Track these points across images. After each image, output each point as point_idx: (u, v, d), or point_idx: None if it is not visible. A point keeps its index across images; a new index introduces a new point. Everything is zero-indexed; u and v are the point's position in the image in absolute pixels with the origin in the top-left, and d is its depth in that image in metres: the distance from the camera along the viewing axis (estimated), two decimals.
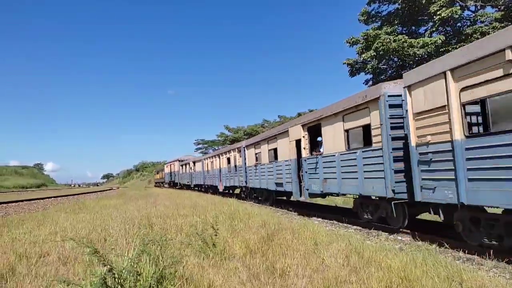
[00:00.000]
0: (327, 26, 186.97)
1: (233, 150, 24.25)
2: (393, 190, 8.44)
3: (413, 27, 22.49)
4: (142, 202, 17.21)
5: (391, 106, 8.67)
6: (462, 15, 18.80)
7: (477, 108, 7.94)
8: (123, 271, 3.84)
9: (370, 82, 24.44)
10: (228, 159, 25.04)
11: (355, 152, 9.92)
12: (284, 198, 17.79)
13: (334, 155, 11.07)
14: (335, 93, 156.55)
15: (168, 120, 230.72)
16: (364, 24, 23.02)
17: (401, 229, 8.93)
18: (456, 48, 18.19)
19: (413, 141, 7.65)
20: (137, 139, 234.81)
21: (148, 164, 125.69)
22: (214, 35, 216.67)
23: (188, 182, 40.83)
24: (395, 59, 21.62)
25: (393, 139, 8.55)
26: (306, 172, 13.02)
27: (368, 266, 4.95)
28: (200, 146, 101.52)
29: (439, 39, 17.77)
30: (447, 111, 6.69)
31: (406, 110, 7.91)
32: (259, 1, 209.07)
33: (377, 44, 18.72)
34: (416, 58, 19.39)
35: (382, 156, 8.78)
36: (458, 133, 6.48)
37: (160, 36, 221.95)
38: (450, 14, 17.18)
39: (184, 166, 43.52)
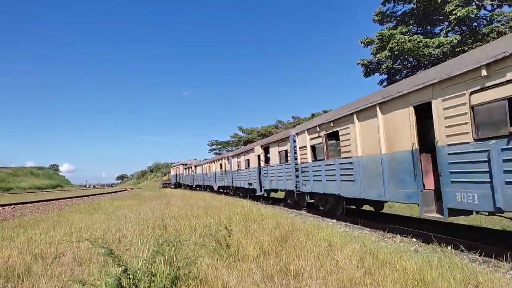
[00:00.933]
0: (342, 26, 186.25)
1: (224, 158, 31.19)
2: (296, 186, 15.51)
3: (428, 27, 22.18)
4: (156, 203, 17.34)
5: (294, 141, 15.60)
6: (478, 15, 18.48)
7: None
8: (138, 271, 3.87)
9: (385, 83, 24.23)
10: (221, 165, 31.62)
11: (282, 165, 17.15)
12: (253, 193, 22.70)
13: (274, 166, 18.26)
14: (349, 93, 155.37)
15: (182, 121, 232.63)
16: (379, 24, 22.82)
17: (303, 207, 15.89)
18: (472, 48, 17.90)
19: (299, 160, 15.16)
20: (151, 140, 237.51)
21: (162, 165, 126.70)
22: (228, 36, 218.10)
23: (190, 183, 47.65)
24: (410, 59, 21.34)
25: (295, 158, 15.48)
26: (262, 176, 20.33)
27: (382, 268, 4.89)
28: (213, 147, 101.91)
29: (455, 39, 17.51)
30: (306, 148, 14.19)
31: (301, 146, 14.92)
32: (272, 2, 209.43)
33: (392, 44, 18.51)
34: (432, 58, 19.14)
35: (291, 167, 15.88)
36: (310, 159, 14.02)
37: (174, 37, 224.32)
38: (466, 14, 16.90)
39: (187, 169, 50.06)
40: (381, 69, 22.03)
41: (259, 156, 20.85)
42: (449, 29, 19.13)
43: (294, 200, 16.16)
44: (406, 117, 8.35)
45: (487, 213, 7.04)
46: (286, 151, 16.57)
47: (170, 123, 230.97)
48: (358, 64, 23.00)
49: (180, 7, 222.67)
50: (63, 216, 12.70)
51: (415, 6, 20.77)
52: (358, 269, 4.93)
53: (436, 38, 18.16)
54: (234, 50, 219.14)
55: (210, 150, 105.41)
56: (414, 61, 21.74)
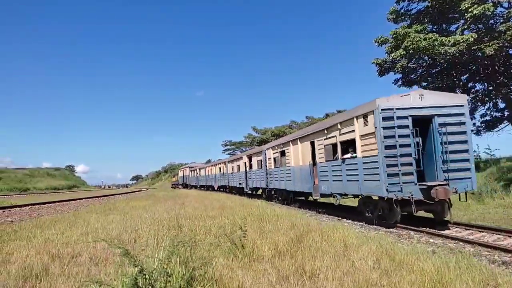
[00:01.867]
0: (355, 26, 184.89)
1: (222, 163, 37.89)
2: (266, 185, 21.76)
3: (444, 25, 21.78)
4: (171, 203, 17.44)
5: (265, 154, 22.03)
6: (494, 12, 18.08)
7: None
8: (154, 272, 3.88)
9: (400, 82, 23.96)
10: (220, 168, 38.37)
11: (259, 170, 23.58)
12: (242, 191, 29.82)
13: (254, 171, 24.89)
14: (363, 93, 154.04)
15: (196, 121, 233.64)
16: (393, 23, 22.49)
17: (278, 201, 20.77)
18: (489, 46, 17.54)
19: (267, 167, 21.53)
20: (166, 141, 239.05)
21: (176, 165, 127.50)
22: (242, 36, 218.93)
23: (195, 183, 54.26)
24: (426, 57, 21.01)
25: (266, 166, 21.97)
26: (248, 177, 27.06)
27: (399, 269, 4.83)
28: (227, 147, 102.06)
29: (471, 37, 17.16)
30: (271, 159, 20.93)
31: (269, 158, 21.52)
32: (285, 2, 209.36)
33: (407, 43, 18.22)
34: (448, 57, 18.81)
35: (263, 172, 22.24)
36: (273, 167, 20.81)
37: (189, 38, 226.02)
38: (482, 11, 16.55)
39: (192, 171, 56.56)
40: (395, 68, 21.76)
41: (245, 163, 27.86)
42: (465, 27, 18.75)
43: (266, 194, 23.15)
44: (308, 147, 15.42)
45: (330, 196, 13.60)
46: (260, 160, 23.38)
47: (184, 123, 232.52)
48: (372, 63, 22.75)
49: (195, 6, 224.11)
50: (79, 216, 12.85)
51: (430, 4, 20.43)
52: (374, 270, 4.87)
53: (452, 36, 17.81)
54: (248, 51, 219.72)
55: (224, 150, 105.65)
56: (430, 59, 21.40)
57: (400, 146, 9.90)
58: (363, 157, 10.89)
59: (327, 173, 13.42)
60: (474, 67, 21.85)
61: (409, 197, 9.70)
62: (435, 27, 22.13)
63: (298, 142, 16.46)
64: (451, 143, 10.19)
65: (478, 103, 23.66)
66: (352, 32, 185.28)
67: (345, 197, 12.74)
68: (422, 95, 10.44)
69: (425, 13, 21.53)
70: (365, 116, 10.66)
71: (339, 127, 12.28)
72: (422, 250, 5.96)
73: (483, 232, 9.33)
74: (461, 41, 17.32)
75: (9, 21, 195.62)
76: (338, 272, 4.82)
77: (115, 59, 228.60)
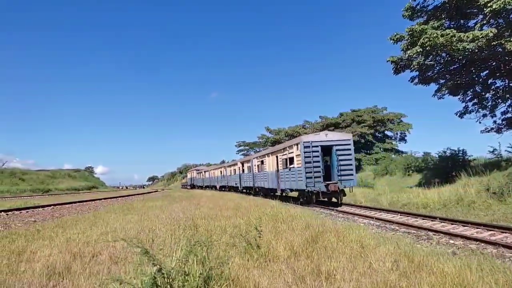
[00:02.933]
0: (370, 24, 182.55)
1: (223, 167, 46.94)
2: (253, 184, 29.65)
3: (462, 21, 21.24)
4: (186, 204, 17.59)
5: (252, 161, 30.10)
6: None
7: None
8: (172, 271, 3.91)
9: (416, 80, 23.51)
10: (221, 171, 47.08)
11: (248, 173, 31.51)
12: (237, 189, 37.71)
13: (245, 173, 32.93)
14: (378, 92, 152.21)
15: (210, 122, 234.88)
16: (409, 20, 22.05)
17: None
18: (510, 42, 17.08)
19: (254, 171, 29.39)
20: (180, 142, 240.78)
21: (191, 166, 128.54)
22: (255, 38, 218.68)
23: (201, 184, 62.31)
24: (443, 54, 20.54)
25: (253, 170, 29.77)
26: (241, 179, 34.50)
27: (419, 271, 4.74)
28: (241, 148, 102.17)
29: (491, 32, 16.72)
30: (256, 166, 28.94)
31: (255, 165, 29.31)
32: (299, 2, 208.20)
33: (424, 39, 17.83)
34: (466, 53, 18.37)
35: (251, 174, 30.36)
36: (257, 171, 28.69)
37: (202, 41, 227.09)
38: (502, 6, 16.09)
39: (199, 173, 65.87)
40: (412, 66, 21.36)
41: (239, 168, 36.07)
42: (484, 22, 18.28)
43: (253, 191, 30.53)
44: (275, 159, 22.65)
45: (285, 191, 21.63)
46: (249, 166, 31.23)
47: (199, 124, 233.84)
48: (387, 61, 22.33)
49: (209, 10, 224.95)
50: (99, 216, 13.06)
51: None
52: (392, 271, 4.80)
53: (471, 32, 17.37)
54: (261, 52, 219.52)
55: (238, 151, 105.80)
56: (447, 56, 20.91)
57: (314, 162, 18.04)
58: (297, 167, 19.00)
59: (283, 176, 21.54)
60: (494, 63, 21.29)
61: (317, 190, 17.84)
62: (453, 23, 21.62)
63: (270, 155, 24.57)
64: (341, 160, 18.59)
65: (499, 100, 23.03)
66: (366, 30, 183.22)
67: (293, 191, 20.93)
68: (327, 134, 19.37)
69: (442, 9, 21.06)
70: (296, 145, 19.22)
71: (288, 149, 20.52)
72: (442, 252, 5.87)
73: (506, 233, 9.12)
74: (480, 36, 16.90)
75: (33, 25, 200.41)
76: (355, 273, 4.76)
77: (131, 63, 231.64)
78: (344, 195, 18.52)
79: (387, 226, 11.57)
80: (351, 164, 18.68)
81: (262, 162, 26.75)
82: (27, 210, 18.21)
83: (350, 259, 5.43)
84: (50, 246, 7.14)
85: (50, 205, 21.17)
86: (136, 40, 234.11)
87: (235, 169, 38.33)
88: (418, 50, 18.90)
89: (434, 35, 17.77)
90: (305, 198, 18.95)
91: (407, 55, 20.34)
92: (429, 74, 23.10)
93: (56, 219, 13.55)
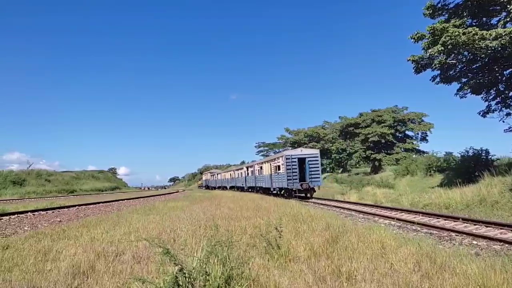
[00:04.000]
0: (390, 23, 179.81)
1: (232, 170, 55.24)
2: (255, 184, 37.90)
3: (484, 18, 20.71)
4: (207, 204, 17.69)
5: (254, 167, 38.63)
6: None
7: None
8: (193, 271, 3.96)
9: (438, 79, 23.02)
10: (230, 174, 55.20)
11: (252, 175, 39.50)
12: (243, 189, 44.24)
13: (251, 176, 39.87)
14: (399, 92, 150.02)
15: (230, 123, 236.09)
16: (430, 18, 21.63)
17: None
18: None
19: (256, 174, 37.76)
20: (201, 143, 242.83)
21: (211, 167, 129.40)
22: (275, 41, 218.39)
23: (214, 185, 69.18)
24: (465, 53, 20.07)
25: (255, 173, 38.52)
26: (246, 180, 42.55)
27: (441, 272, 4.68)
28: (261, 149, 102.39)
29: None
30: (257, 170, 37.42)
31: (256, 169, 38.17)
32: (320, 3, 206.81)
33: (445, 38, 17.45)
34: (489, 51, 17.90)
35: (253, 176, 38.72)
36: (258, 174, 36.93)
37: (224, 44, 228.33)
38: None
39: (212, 176, 73.19)
40: (433, 65, 20.95)
41: (245, 171, 43.79)
42: (508, 19, 17.78)
43: (256, 190, 37.10)
44: (269, 166, 31.33)
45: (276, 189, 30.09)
46: (252, 170, 39.12)
47: (219, 126, 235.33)
48: (408, 60, 21.96)
49: (231, 13, 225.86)
50: (122, 216, 13.25)
51: None
52: (414, 272, 4.76)
53: (493, 30, 16.90)
54: (280, 55, 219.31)
55: (257, 152, 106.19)
56: (470, 54, 20.44)
57: (292, 169, 25.93)
58: (282, 172, 27.10)
59: (274, 178, 29.83)
60: None
61: (295, 188, 25.68)
62: (475, 20, 21.09)
63: (266, 163, 33.32)
64: (311, 168, 26.44)
65: None
66: (385, 30, 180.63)
67: (283, 189, 28.70)
68: (302, 149, 28.40)
69: (464, 6, 20.57)
70: (282, 157, 27.50)
71: (277, 159, 29.00)
72: (465, 253, 5.77)
73: None
74: (503, 34, 16.43)
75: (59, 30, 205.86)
76: (376, 274, 4.74)
77: (153, 66, 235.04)
78: (314, 191, 26.80)
79: (408, 226, 11.42)
80: (318, 171, 27.20)
81: (261, 167, 35.39)
82: (53, 211, 18.65)
83: (371, 260, 5.40)
84: (75, 245, 7.28)
85: (74, 206, 21.63)
86: (158, 44, 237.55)
87: (241, 172, 46.35)
88: (440, 49, 18.52)
89: (456, 34, 17.39)
90: (287, 193, 27.72)
91: (428, 54, 19.97)
92: (451, 73, 22.59)
93: (81, 219, 13.81)
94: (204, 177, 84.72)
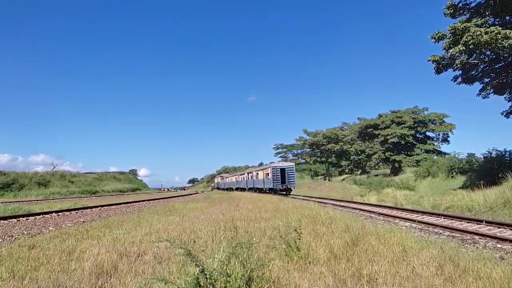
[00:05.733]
0: (409, 22, 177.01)
1: (237, 175, 68.34)
2: (253, 184, 51.56)
3: (508, 17, 20.24)
4: (226, 206, 17.73)
5: (253, 173, 53.79)
6: None
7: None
8: (214, 272, 3.98)
9: (459, 79, 22.58)
10: (235, 178, 67.95)
11: (252, 179, 53.17)
12: (244, 189, 56.93)
13: (250, 179, 54.15)
14: (419, 92, 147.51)
15: (249, 125, 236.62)
16: (451, 18, 21.24)
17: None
18: None
19: (253, 178, 52.29)
20: (219, 145, 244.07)
21: (230, 168, 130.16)
22: (292, 42, 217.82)
23: (223, 187, 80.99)
24: (488, 52, 19.64)
25: (253, 177, 53.38)
26: (247, 183, 55.68)
27: (464, 275, 4.59)
28: (279, 150, 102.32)
29: None
30: (254, 175, 51.86)
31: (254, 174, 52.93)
32: (338, 3, 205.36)
33: (467, 37, 17.10)
34: None
35: (252, 180, 52.55)
36: (256, 178, 50.12)
37: (242, 46, 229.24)
38: None
39: (222, 179, 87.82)
40: (454, 65, 20.53)
41: (246, 176, 55.74)
42: None
43: (253, 189, 49.56)
44: (263, 172, 45.61)
45: (267, 189, 42.95)
46: (251, 175, 52.60)
47: (237, 127, 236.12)
48: (428, 60, 21.60)
49: (250, 16, 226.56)
50: (143, 217, 13.44)
51: None
52: (437, 276, 4.68)
53: None
54: (298, 56, 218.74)
55: (275, 153, 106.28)
56: (492, 54, 19.97)
57: (277, 175, 39.38)
58: (270, 177, 40.29)
59: (266, 181, 42.32)
60: None
61: (278, 188, 39.02)
62: (498, 19, 20.60)
63: (260, 171, 46.90)
64: (289, 175, 39.55)
65: None
66: (405, 30, 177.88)
67: (271, 189, 40.33)
68: (283, 163, 45.44)
69: (486, 5, 20.11)
70: (270, 167, 42.02)
71: (267, 169, 42.88)
72: (489, 256, 5.65)
73: None
74: None
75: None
76: (398, 277, 4.68)
77: (172, 69, 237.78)
78: (291, 190, 39.55)
79: (430, 229, 11.23)
80: (293, 177, 39.88)
81: (257, 174, 48.93)
82: (76, 211, 19.02)
83: (392, 263, 5.34)
84: (98, 245, 7.40)
85: (97, 206, 21.96)
86: (176, 47, 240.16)
87: (244, 177, 59.83)
88: (461, 49, 18.17)
89: (478, 33, 17.04)
90: (273, 191, 39.65)
91: (449, 54, 19.62)
92: (472, 73, 22.14)
93: (103, 219, 14.03)
94: (216, 180, 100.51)
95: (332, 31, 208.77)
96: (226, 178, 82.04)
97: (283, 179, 39.27)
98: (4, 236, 10.13)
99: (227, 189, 74.76)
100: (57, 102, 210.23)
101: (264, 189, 43.94)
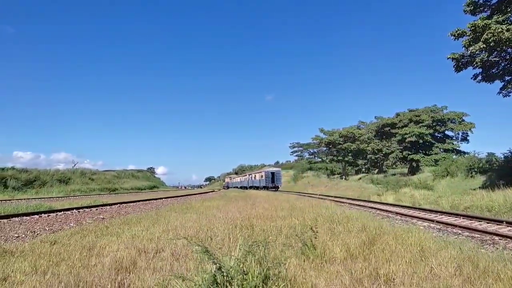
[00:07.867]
0: (427, 20, 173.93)
1: (241, 175, 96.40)
2: (252, 184, 72.10)
3: None
4: (242, 204, 17.79)
5: (252, 174, 78.36)
6: None
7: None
8: (231, 269, 4.00)
9: (480, 77, 22.07)
10: (239, 178, 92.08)
11: (251, 179, 74.71)
12: (246, 188, 74.15)
13: (250, 179, 75.77)
14: (438, 91, 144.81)
15: (265, 123, 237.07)
16: (471, 15, 20.79)
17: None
18: None
19: (252, 178, 73.98)
20: (236, 144, 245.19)
21: (246, 167, 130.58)
22: (310, 42, 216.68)
23: (231, 186, 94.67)
24: (509, 50, 19.16)
25: (251, 178, 76.96)
26: (249, 182, 75.80)
27: (484, 277, 4.53)
28: (295, 149, 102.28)
29: None
30: (253, 176, 75.35)
31: (253, 175, 75.88)
32: (354, 6, 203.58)
33: (487, 35, 16.70)
34: None
35: (251, 179, 74.80)
36: (253, 179, 71.99)
37: (262, 45, 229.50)
38: None
39: (230, 179, 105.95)
40: (474, 63, 20.08)
41: (247, 176, 78.59)
42: None
43: (253, 188, 66.91)
44: (259, 174, 68.18)
45: (263, 186, 62.44)
46: (251, 176, 74.82)
47: (254, 126, 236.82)
48: (448, 58, 21.18)
49: (267, 16, 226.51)
50: (161, 214, 13.58)
51: None
52: (456, 277, 4.63)
53: None
54: (315, 56, 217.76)
55: (291, 152, 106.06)
56: None
57: (268, 177, 61.89)
58: (264, 178, 62.09)
59: (260, 181, 63.50)
60: None
61: (269, 186, 60.34)
62: None
63: (257, 173, 69.66)
64: (276, 177, 62.73)
65: None
66: (423, 27, 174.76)
67: (264, 187, 60.78)
68: (273, 168, 75.49)
69: (508, 2, 19.59)
70: (263, 172, 65.11)
71: (261, 172, 66.77)
72: (509, 257, 5.55)
73: None
74: None
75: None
76: (416, 277, 4.64)
77: (191, 67, 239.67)
78: (278, 187, 60.10)
79: (448, 229, 11.07)
80: (280, 178, 63.09)
81: (255, 176, 67.36)
82: (96, 208, 19.32)
83: (409, 263, 5.30)
84: (117, 241, 7.52)
85: (116, 203, 22.28)
86: (195, 45, 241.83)
87: (246, 178, 79.04)
88: (482, 46, 17.78)
89: (499, 30, 16.64)
90: (266, 188, 56.97)
91: (469, 52, 19.22)
92: (493, 71, 21.62)
93: (122, 216, 14.27)
94: (226, 180, 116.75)
95: (351, 30, 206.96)
96: (233, 178, 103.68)
97: (273, 180, 61.07)
98: (27, 232, 10.39)
99: (234, 187, 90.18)
100: (78, 102, 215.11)
101: (259, 187, 62.25)
